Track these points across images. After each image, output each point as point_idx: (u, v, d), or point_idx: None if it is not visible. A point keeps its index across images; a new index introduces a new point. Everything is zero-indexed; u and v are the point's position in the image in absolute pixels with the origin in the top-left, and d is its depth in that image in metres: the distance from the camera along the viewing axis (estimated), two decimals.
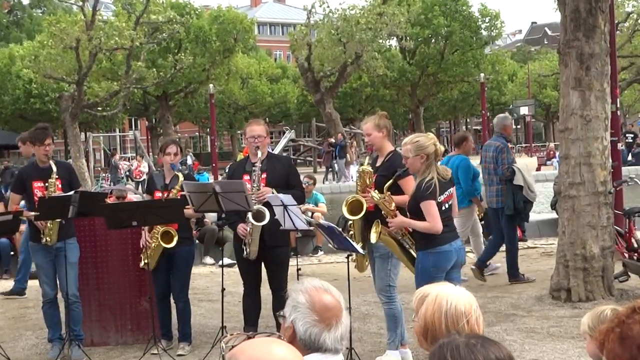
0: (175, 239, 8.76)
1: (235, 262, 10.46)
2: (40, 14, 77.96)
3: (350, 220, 8.07)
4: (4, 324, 10.35)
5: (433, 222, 7.19)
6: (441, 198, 7.32)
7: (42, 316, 9.54)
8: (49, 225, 8.61)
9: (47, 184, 8.73)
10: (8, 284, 13.50)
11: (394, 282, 8.11)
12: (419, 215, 7.29)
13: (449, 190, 7.49)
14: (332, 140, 39.99)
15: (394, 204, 7.54)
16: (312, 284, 3.42)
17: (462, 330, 3.23)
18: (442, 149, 7.74)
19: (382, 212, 7.56)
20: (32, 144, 8.99)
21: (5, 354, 8.77)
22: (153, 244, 8.90)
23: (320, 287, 3.41)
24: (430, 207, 7.21)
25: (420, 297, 3.53)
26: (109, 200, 9.78)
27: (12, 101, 55.45)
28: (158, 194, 9.06)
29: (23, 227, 11.20)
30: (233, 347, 2.37)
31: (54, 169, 8.75)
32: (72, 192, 8.46)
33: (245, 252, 8.52)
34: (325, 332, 3.29)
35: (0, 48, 62.63)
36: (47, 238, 8.65)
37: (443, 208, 7.35)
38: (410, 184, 7.61)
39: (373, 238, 7.51)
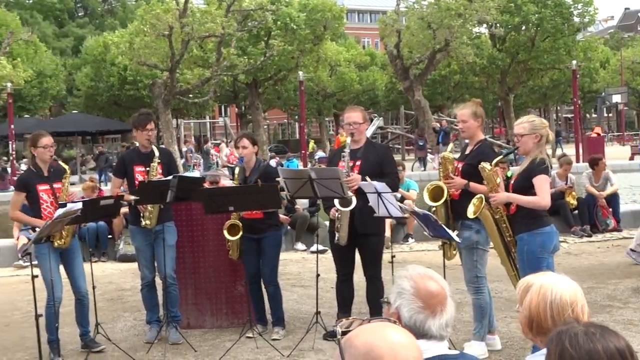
0: (240, 233, 8.90)
1: (327, 248, 10.55)
2: (134, 2, 79.10)
3: (433, 206, 8.08)
4: (103, 306, 10.60)
5: (542, 196, 7.12)
6: (549, 178, 7.32)
7: (139, 298, 9.75)
8: (149, 208, 8.80)
9: (148, 169, 8.92)
10: (105, 266, 13.83)
11: (482, 272, 8.08)
12: (525, 194, 7.24)
13: (551, 177, 7.46)
14: (437, 125, 39.78)
15: (499, 179, 7.51)
16: (417, 271, 3.44)
17: (568, 320, 3.22)
18: (553, 135, 7.71)
19: (487, 185, 7.51)
20: (135, 129, 9.17)
21: (105, 335, 8.98)
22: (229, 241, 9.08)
23: (425, 273, 3.43)
24: (543, 182, 7.16)
25: (524, 287, 3.54)
26: (206, 186, 9.91)
27: (107, 88, 56.47)
28: None
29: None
30: (348, 331, 2.40)
31: (156, 153, 8.93)
32: (170, 177, 8.61)
33: (336, 238, 8.60)
34: (430, 319, 3.31)
35: (95, 36, 63.82)
36: (147, 221, 8.83)
37: (549, 188, 7.35)
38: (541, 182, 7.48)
39: (471, 211, 7.47)
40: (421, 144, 40.79)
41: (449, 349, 3.41)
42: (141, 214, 8.86)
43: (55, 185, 8.53)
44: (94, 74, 57.63)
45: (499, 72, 51.55)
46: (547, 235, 7.27)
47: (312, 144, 57.37)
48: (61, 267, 8.68)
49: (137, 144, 9.39)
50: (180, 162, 33.43)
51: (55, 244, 8.35)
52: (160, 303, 9.40)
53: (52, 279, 8.25)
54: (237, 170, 9.57)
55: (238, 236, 8.89)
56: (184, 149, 43.14)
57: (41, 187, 8.49)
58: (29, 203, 8.59)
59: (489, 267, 8.31)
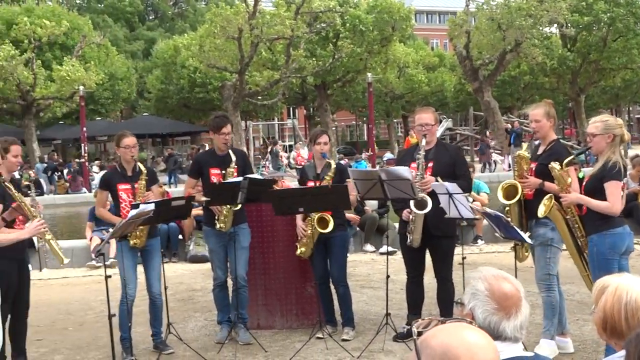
0: (331, 224, 8.86)
1: (396, 249, 10.52)
2: (204, 5, 79.85)
3: (507, 205, 8.01)
4: (174, 306, 10.70)
5: (614, 202, 7.01)
6: (620, 183, 7.18)
7: (209, 299, 9.82)
8: (224, 212, 8.86)
9: (224, 172, 8.98)
10: (176, 267, 13.97)
11: (554, 270, 7.99)
12: (595, 196, 7.13)
13: (625, 179, 7.33)
14: (509, 126, 39.46)
15: (570, 179, 7.42)
16: (491, 272, 3.42)
17: None
18: (629, 135, 7.58)
19: (557, 185, 7.43)
20: (212, 132, 9.23)
21: (176, 334, 9.06)
22: (309, 231, 9.05)
23: (499, 275, 3.40)
24: (614, 188, 7.03)
25: (600, 287, 3.49)
26: (276, 187, 9.94)
27: (177, 91, 57.09)
28: (310, 184, 9.20)
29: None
30: (424, 332, 2.39)
31: (233, 158, 8.97)
32: (241, 178, 8.66)
33: (408, 240, 8.56)
34: (504, 321, 3.29)
35: (166, 39, 64.54)
36: (221, 225, 8.89)
37: (621, 193, 7.21)
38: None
39: (541, 211, 7.40)
40: (482, 147, 40.52)
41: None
42: (216, 217, 8.93)
43: (137, 185, 8.68)
44: (164, 76, 58.31)
45: (570, 73, 51.01)
46: (618, 237, 7.15)
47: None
48: (141, 267, 8.81)
49: (206, 146, 9.47)
50: None
51: (131, 242, 8.48)
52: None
53: (126, 277, 8.39)
54: (307, 169, 9.58)
55: (328, 229, 8.88)
56: (274, 149, 43.35)
57: (122, 187, 8.65)
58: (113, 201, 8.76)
59: (561, 269, 8.21)
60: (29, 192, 8.31)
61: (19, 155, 8.00)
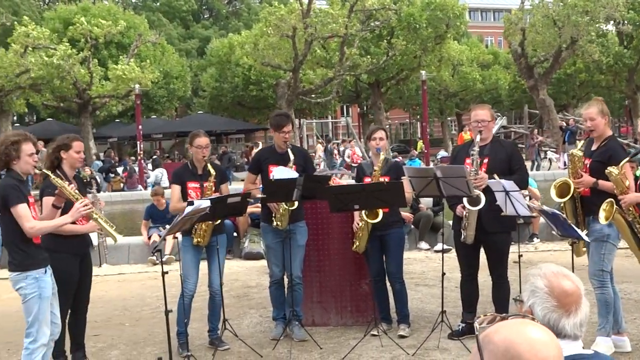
0: (380, 214, 8.85)
1: (451, 247, 10.48)
2: (258, 4, 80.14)
3: (560, 202, 7.95)
4: (229, 302, 10.76)
5: None
6: None
7: (264, 295, 9.86)
8: (281, 211, 8.90)
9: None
10: (231, 264, 14.03)
11: (607, 267, 7.91)
12: None
13: None
14: (564, 124, 39.12)
15: (628, 181, 7.35)
16: (551, 269, 3.39)
17: None
18: None
19: (616, 189, 7.37)
20: (272, 130, 9.27)
21: (232, 331, 9.12)
22: (361, 223, 9.05)
23: (559, 272, 3.37)
24: None
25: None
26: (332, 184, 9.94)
27: (231, 89, 57.41)
28: (367, 180, 9.20)
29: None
30: (486, 328, 2.39)
31: (291, 157, 8.98)
32: (296, 175, 8.69)
33: (462, 236, 8.53)
34: (564, 318, 3.26)
35: (220, 38, 64.90)
36: (278, 223, 8.93)
37: None
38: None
39: (602, 218, 7.33)
40: (527, 145, 40.26)
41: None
42: (273, 214, 8.97)
43: (205, 184, 8.77)
44: (219, 74, 58.64)
45: (627, 70, 50.38)
46: None
47: (420, 143, 57.11)
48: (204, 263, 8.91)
49: (260, 143, 9.52)
50: None
51: (194, 241, 8.57)
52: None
53: (186, 273, 8.48)
54: (364, 165, 9.59)
55: (377, 219, 8.87)
56: (329, 147, 43.51)
57: (191, 185, 8.77)
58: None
59: (618, 267, 8.14)
60: (89, 189, 8.40)
61: (81, 151, 8.10)
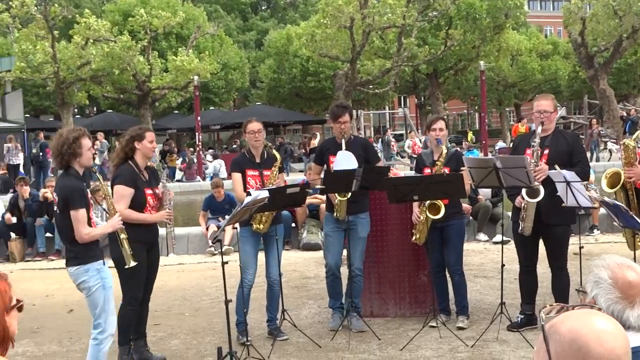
0: (442, 210, 8.81)
1: (510, 239, 10.41)
2: None
3: (611, 193, 7.86)
4: (288, 293, 10.80)
5: None
6: None
7: (322, 286, 9.87)
8: (336, 201, 8.90)
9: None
10: (289, 255, 14.09)
11: None
12: None
13: None
14: (624, 114, 38.64)
15: None
16: (615, 260, 3.35)
17: None
18: None
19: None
20: (331, 120, 9.28)
21: (291, 321, 9.16)
22: (422, 217, 9.01)
23: (623, 263, 3.33)
24: None
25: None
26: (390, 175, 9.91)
27: (289, 80, 57.53)
28: (427, 171, 9.17)
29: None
30: (552, 318, 2.36)
31: (343, 147, 8.94)
32: (356, 167, 8.68)
33: (520, 227, 8.47)
34: (628, 310, 3.22)
35: (278, 29, 65.07)
36: (337, 213, 8.96)
37: None
38: None
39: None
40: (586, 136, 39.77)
41: None
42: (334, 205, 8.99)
43: (265, 172, 8.81)
44: (277, 66, 58.80)
45: None
46: None
47: (470, 135, 56.70)
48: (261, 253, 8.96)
49: (317, 135, 9.52)
50: None
51: (254, 227, 8.60)
52: (344, 291, 9.49)
53: (245, 262, 8.54)
54: (424, 155, 9.54)
55: (440, 215, 8.85)
56: (385, 138, 43.43)
57: (250, 172, 8.81)
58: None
59: None
60: (162, 180, 8.51)
61: (153, 141, 8.23)
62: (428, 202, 8.86)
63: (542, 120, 8.38)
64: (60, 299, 11.71)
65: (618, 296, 3.24)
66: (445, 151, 9.09)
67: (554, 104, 8.60)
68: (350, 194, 8.74)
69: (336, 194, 8.84)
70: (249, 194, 8.09)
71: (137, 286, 7.98)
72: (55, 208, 7.30)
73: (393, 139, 45.42)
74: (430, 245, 9.12)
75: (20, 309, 3.16)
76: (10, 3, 36.56)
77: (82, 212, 7.01)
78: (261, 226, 8.66)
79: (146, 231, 8.03)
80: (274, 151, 9.06)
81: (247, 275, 8.59)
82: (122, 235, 7.44)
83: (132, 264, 7.46)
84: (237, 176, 8.90)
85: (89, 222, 7.15)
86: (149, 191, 8.01)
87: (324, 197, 11.01)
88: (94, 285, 7.07)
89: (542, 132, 8.40)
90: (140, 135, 8.07)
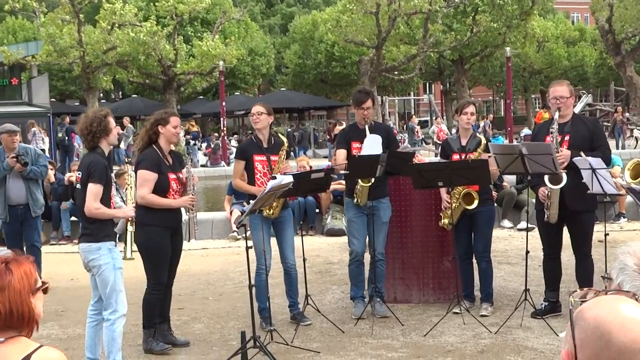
0: (477, 201, 8.80)
1: (534, 226, 10.37)
2: None
3: (637, 183, 7.80)
4: (312, 278, 10.79)
5: None
6: None
7: (346, 272, 9.85)
8: (358, 187, 8.88)
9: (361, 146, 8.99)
10: (313, 240, 14.10)
11: None
12: None
13: None
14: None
15: None
16: None
17: None
18: None
19: None
20: (354, 106, 9.25)
21: (314, 306, 9.16)
22: (453, 205, 8.99)
23: None
24: None
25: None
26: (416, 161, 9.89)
27: (314, 66, 57.46)
28: (455, 157, 9.13)
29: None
30: (582, 302, 2.33)
31: (367, 132, 8.91)
32: (380, 152, 8.65)
33: (545, 216, 8.43)
34: None
35: (303, 15, 64.96)
36: (358, 199, 8.94)
37: None
38: None
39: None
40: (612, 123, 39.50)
41: None
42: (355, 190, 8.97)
43: (272, 157, 8.77)
44: (302, 51, 58.74)
45: None
46: None
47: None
48: (273, 239, 8.93)
49: (342, 121, 9.48)
50: None
51: (265, 213, 8.59)
52: (366, 278, 9.49)
53: (259, 249, 8.55)
54: (451, 141, 9.49)
55: (472, 206, 8.83)
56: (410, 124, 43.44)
57: (257, 157, 8.74)
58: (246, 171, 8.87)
59: None
60: (186, 165, 8.51)
61: (178, 126, 8.23)
62: (464, 191, 8.86)
63: (559, 106, 8.34)
64: (85, 283, 11.67)
65: None
66: (484, 141, 9.08)
67: (569, 89, 8.55)
68: (373, 179, 8.73)
69: (359, 180, 8.81)
70: (273, 177, 8.09)
71: (162, 271, 8.02)
72: (77, 185, 7.35)
73: (417, 126, 45.32)
74: (459, 232, 9.09)
75: (45, 291, 3.18)
76: None
77: (99, 187, 7.10)
78: (272, 212, 8.65)
79: (169, 216, 8.05)
80: (281, 136, 9.02)
81: (264, 262, 8.55)
82: (130, 228, 7.48)
83: (130, 257, 7.57)
84: (238, 164, 8.92)
85: (109, 202, 7.21)
86: (172, 176, 8.03)
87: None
88: (104, 264, 7.14)
89: (560, 118, 8.37)
90: (164, 120, 8.08)
